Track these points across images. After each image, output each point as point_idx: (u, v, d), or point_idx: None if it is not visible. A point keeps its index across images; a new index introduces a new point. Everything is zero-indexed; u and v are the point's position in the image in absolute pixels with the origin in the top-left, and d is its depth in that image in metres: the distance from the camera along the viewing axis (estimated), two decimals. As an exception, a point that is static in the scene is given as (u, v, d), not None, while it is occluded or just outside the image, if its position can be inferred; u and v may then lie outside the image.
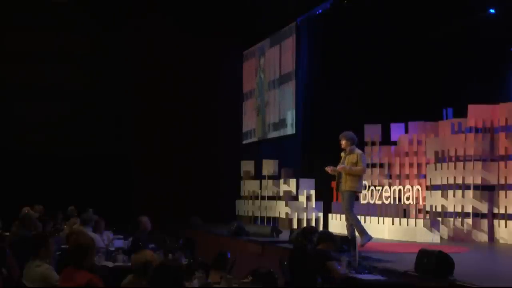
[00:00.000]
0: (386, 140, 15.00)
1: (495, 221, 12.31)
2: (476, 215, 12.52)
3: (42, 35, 19.07)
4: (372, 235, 9.59)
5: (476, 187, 12.59)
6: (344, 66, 15.59)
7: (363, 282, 7.55)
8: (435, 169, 13.34)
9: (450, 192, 12.86)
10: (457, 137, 13.02)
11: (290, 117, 17.88)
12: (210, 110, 20.36)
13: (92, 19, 19.64)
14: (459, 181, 12.78)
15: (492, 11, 14.11)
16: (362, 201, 14.19)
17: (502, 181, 12.30)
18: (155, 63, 19.83)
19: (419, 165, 14.36)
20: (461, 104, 13.17)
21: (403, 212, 13.37)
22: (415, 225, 12.33)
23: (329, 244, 7.64)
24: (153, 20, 19.90)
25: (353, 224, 9.19)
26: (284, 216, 15.80)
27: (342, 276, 7.49)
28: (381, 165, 14.86)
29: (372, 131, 14.95)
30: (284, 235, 12.22)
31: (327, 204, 15.22)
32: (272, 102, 19.17)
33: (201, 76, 20.24)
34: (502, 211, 12.13)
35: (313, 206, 15.32)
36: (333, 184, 14.44)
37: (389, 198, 13.54)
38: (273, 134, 19.09)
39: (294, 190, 16.06)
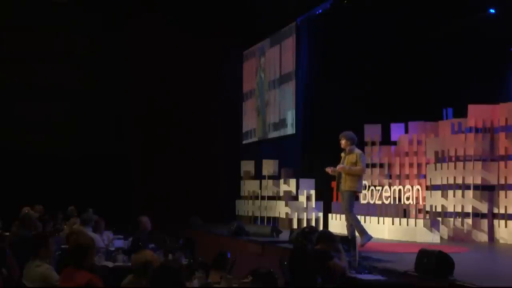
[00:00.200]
0: (386, 140, 15.00)
1: (495, 221, 12.31)
2: (476, 215, 12.52)
3: (42, 35, 19.07)
4: (372, 235, 9.58)
5: (476, 187, 12.59)
6: (344, 66, 15.59)
7: (363, 282, 7.56)
8: (435, 169, 13.34)
9: (450, 192, 12.86)
10: (457, 137, 13.02)
11: (290, 117, 17.88)
12: (210, 110, 20.36)
13: (92, 19, 19.65)
14: (459, 181, 12.78)
15: (492, 11, 14.11)
16: (362, 201, 14.19)
17: (502, 181, 12.30)
18: (155, 63, 19.84)
19: (419, 165, 14.36)
20: (461, 104, 13.17)
21: (403, 212, 13.37)
22: (415, 225, 12.33)
23: (328, 244, 7.64)
24: (153, 20, 19.90)
25: (353, 224, 9.19)
26: (284, 216, 15.80)
27: (344, 269, 7.51)
28: (381, 165, 14.86)
29: (372, 131, 14.95)
30: (284, 235, 12.21)
31: (327, 204, 15.22)
32: (272, 102, 19.17)
33: (201, 76, 20.24)
34: (502, 211, 12.13)
35: (313, 206, 15.33)
36: (333, 184, 14.46)
37: (389, 198, 13.54)
38: (273, 134, 19.09)
39: (294, 190, 16.06)
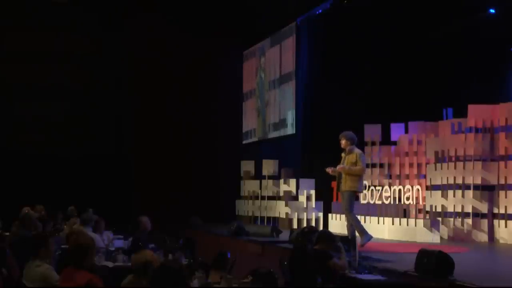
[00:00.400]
0: (386, 140, 15.00)
1: (495, 221, 12.31)
2: (476, 215, 12.52)
3: (42, 35, 19.08)
4: (372, 235, 9.58)
5: (476, 187, 12.59)
6: (344, 66, 15.59)
7: (363, 282, 7.56)
8: (435, 169, 13.34)
9: (450, 192, 12.86)
10: (457, 137, 13.02)
11: (290, 117, 17.88)
12: (210, 110, 20.35)
13: (92, 19, 19.65)
14: (459, 181, 12.78)
15: (492, 11, 14.12)
16: (362, 201, 14.20)
17: (502, 181, 12.30)
18: (155, 63, 19.83)
19: (419, 165, 14.36)
20: (461, 104, 13.17)
21: (403, 212, 13.37)
22: (415, 225, 12.33)
23: (328, 244, 7.65)
24: (153, 20, 19.90)
25: (353, 224, 9.19)
26: (284, 216, 15.80)
27: (344, 268, 7.52)
28: (381, 165, 14.86)
29: (372, 131, 14.95)
30: (284, 235, 12.22)
31: (327, 204, 15.22)
32: (272, 102, 19.17)
33: (201, 76, 20.24)
34: (502, 211, 12.13)
35: (313, 206, 15.33)
36: (333, 184, 14.47)
37: (389, 198, 13.54)
38: (273, 134, 19.09)
39: (294, 190, 16.06)
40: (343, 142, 9.34)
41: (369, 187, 14.31)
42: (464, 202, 12.62)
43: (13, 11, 19.07)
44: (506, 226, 12.02)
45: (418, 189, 13.22)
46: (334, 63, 15.94)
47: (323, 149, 15.33)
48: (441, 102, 14.06)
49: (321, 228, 14.28)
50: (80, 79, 19.45)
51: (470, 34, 13.95)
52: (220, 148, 20.30)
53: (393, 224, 12.90)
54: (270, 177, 17.16)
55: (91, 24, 19.63)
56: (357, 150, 9.28)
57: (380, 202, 13.71)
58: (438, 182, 13.19)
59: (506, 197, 12.10)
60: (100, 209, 12.07)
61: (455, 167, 12.88)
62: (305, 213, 15.38)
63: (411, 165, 14.46)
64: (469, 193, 12.60)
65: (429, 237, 11.97)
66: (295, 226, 14.96)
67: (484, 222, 12.43)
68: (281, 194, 16.33)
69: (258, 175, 17.80)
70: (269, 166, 17.29)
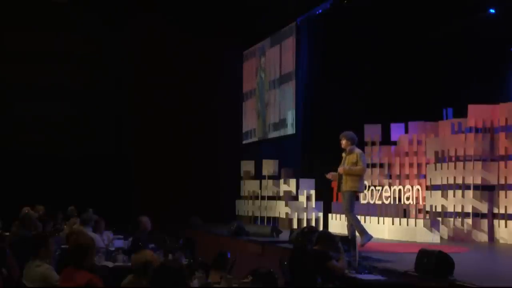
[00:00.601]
0: (386, 140, 15.00)
1: (495, 221, 12.31)
2: (476, 215, 12.52)
3: (42, 35, 19.08)
4: (372, 235, 9.58)
5: (476, 187, 12.59)
6: (344, 66, 15.59)
7: (363, 282, 7.56)
8: (435, 169, 13.34)
9: (450, 192, 12.86)
10: (457, 137, 13.02)
11: (290, 117, 17.88)
12: (210, 110, 20.35)
13: (92, 19, 19.65)
14: (459, 181, 12.78)
15: (492, 11, 14.11)
16: (362, 201, 14.19)
17: (502, 181, 12.30)
18: (155, 63, 19.84)
19: (419, 165, 14.36)
20: (461, 104, 13.17)
21: (403, 212, 13.37)
22: (415, 225, 12.33)
23: (328, 244, 7.65)
24: (153, 20, 19.90)
25: (353, 224, 9.18)
26: (284, 216, 15.80)
27: (343, 269, 7.53)
28: (381, 165, 14.86)
29: (372, 131, 14.95)
30: (284, 235, 12.22)
31: (327, 204, 15.22)
32: (272, 102, 19.17)
33: (201, 76, 20.24)
34: (502, 211, 12.13)
35: (313, 206, 15.33)
36: (333, 184, 14.46)
37: (389, 198, 13.54)
38: (273, 134, 19.09)
39: (294, 190, 16.06)
40: (343, 142, 9.34)
41: (369, 187, 14.30)
42: (464, 202, 12.62)
43: (13, 11, 19.07)
44: (506, 226, 12.02)
45: (418, 189, 13.21)
46: (334, 63, 15.94)
47: (323, 149, 15.34)
48: (441, 102, 14.06)
49: (321, 228, 14.29)
50: (80, 79, 19.45)
51: (470, 34, 13.94)
52: (220, 148, 20.31)
53: (393, 224, 12.90)
54: (270, 177, 17.16)
55: (91, 24, 19.63)
56: (357, 150, 9.28)
57: (380, 202, 13.71)
58: (438, 182, 13.19)
59: (506, 197, 12.10)
60: (100, 209, 12.07)
61: (455, 167, 12.88)
62: (305, 213, 15.38)
63: (411, 165, 14.46)
64: (469, 193, 12.60)
65: (429, 237, 11.97)
66: (295, 226, 14.96)
67: (484, 222, 12.43)
68: (281, 194, 16.33)
69: (258, 175, 17.80)
70: (269, 166, 17.29)
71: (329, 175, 9.53)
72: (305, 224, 14.70)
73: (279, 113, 18.66)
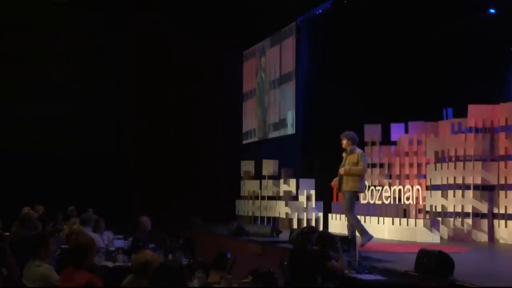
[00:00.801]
0: (386, 140, 15.00)
1: (495, 221, 12.31)
2: (476, 215, 12.51)
3: (42, 35, 19.08)
4: (373, 235, 9.57)
5: (476, 187, 12.59)
6: (344, 66, 15.59)
7: (363, 282, 7.56)
8: (435, 169, 13.34)
9: (450, 192, 12.86)
10: (457, 137, 13.02)
11: (290, 117, 17.88)
12: (210, 110, 20.36)
13: (92, 19, 19.65)
14: (459, 181, 12.77)
15: (492, 11, 14.11)
16: (362, 201, 14.19)
17: (502, 181, 12.30)
18: (155, 63, 19.84)
19: (419, 165, 14.36)
20: (461, 104, 13.17)
21: (403, 212, 13.37)
22: (415, 225, 12.33)
23: (328, 244, 7.66)
24: (153, 20, 19.90)
25: (353, 224, 9.17)
26: (284, 216, 15.80)
27: (342, 270, 7.53)
28: (381, 165, 14.86)
29: (372, 131, 14.95)
30: (284, 235, 12.22)
31: (327, 204, 15.22)
32: (272, 102, 19.17)
33: (201, 76, 20.24)
34: (502, 211, 12.13)
35: (313, 206, 15.32)
36: (334, 184, 14.47)
37: (389, 198, 13.54)
38: (273, 134, 19.09)
39: (294, 190, 16.06)
40: (344, 142, 9.33)
41: (369, 187, 14.29)
42: (464, 202, 12.62)
43: (13, 11, 19.07)
44: (506, 226, 12.02)
45: (418, 189, 13.21)
46: (334, 63, 15.94)
47: (323, 149, 15.36)
48: (441, 102, 14.06)
49: (321, 228, 14.29)
50: (80, 79, 19.45)
51: (470, 34, 13.94)
52: (220, 148, 20.31)
53: (393, 224, 12.90)
54: (270, 177, 17.16)
55: (91, 24, 19.63)
56: (358, 150, 9.27)
57: (380, 202, 13.71)
58: (438, 182, 13.19)
59: (506, 197, 12.10)
60: (100, 209, 12.07)
61: (455, 167, 12.88)
62: (305, 213, 15.38)
63: (411, 165, 14.46)
64: (469, 193, 12.60)
65: (429, 237, 11.97)
66: (295, 226, 14.96)
67: (484, 222, 12.43)
68: (281, 194, 16.33)
69: (258, 175, 17.80)
70: (269, 166, 17.29)
71: (333, 183, 9.55)
72: (305, 224, 14.70)
73: (279, 113, 18.66)
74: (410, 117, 14.50)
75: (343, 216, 13.53)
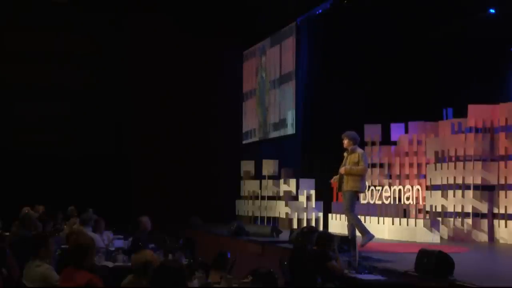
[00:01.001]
0: (386, 140, 15.00)
1: (495, 221, 12.31)
2: (476, 215, 12.51)
3: (42, 35, 19.08)
4: (374, 235, 9.55)
5: (476, 187, 12.58)
6: (344, 66, 15.59)
7: (363, 282, 7.56)
8: (435, 169, 13.33)
9: (450, 192, 12.86)
10: (457, 137, 13.01)
11: (290, 117, 17.88)
12: (210, 110, 20.36)
13: (92, 19, 19.65)
14: (459, 181, 12.77)
15: (492, 11, 14.11)
16: (362, 201, 14.19)
17: (502, 181, 12.29)
18: (155, 63, 19.84)
19: (419, 165, 14.35)
20: (461, 104, 13.17)
21: (403, 212, 13.37)
22: (415, 225, 12.33)
23: (327, 245, 7.66)
24: (153, 20, 19.91)
25: (354, 224, 9.16)
26: (284, 216, 15.80)
27: (342, 270, 7.53)
28: (381, 165, 14.86)
29: (372, 131, 14.94)
30: (284, 235, 12.22)
31: (327, 204, 15.22)
32: (272, 102, 19.17)
33: (201, 76, 20.24)
34: (502, 211, 12.13)
35: (313, 206, 15.32)
36: (334, 184, 14.47)
37: (389, 198, 13.54)
38: (273, 134, 19.10)
39: (294, 190, 16.05)
40: (345, 141, 9.33)
41: (369, 187, 14.28)
42: (464, 202, 12.62)
43: (13, 11, 19.07)
44: (506, 226, 12.02)
45: (418, 189, 13.21)
46: (334, 63, 15.94)
47: (323, 149, 15.36)
48: (441, 102, 14.06)
49: (321, 228, 14.29)
50: (80, 79, 19.45)
51: (470, 34, 13.94)
52: (220, 148, 20.30)
53: (393, 224, 12.90)
54: (270, 177, 17.16)
55: (91, 24, 19.63)
56: (359, 150, 9.27)
57: (380, 202, 13.70)
58: (438, 182, 13.19)
59: (506, 197, 12.10)
60: (100, 209, 12.07)
61: (455, 167, 12.87)
62: (305, 213, 15.37)
63: (411, 165, 14.46)
64: (469, 193, 12.59)
65: (429, 237, 11.97)
66: (295, 226, 14.96)
67: (484, 222, 12.43)
68: (281, 194, 16.33)
69: (258, 175, 17.80)
70: (269, 166, 17.29)
71: (333, 181, 9.54)
72: (305, 224, 14.69)
73: (279, 113, 18.67)
74: (410, 117, 14.50)
75: (343, 216, 13.53)
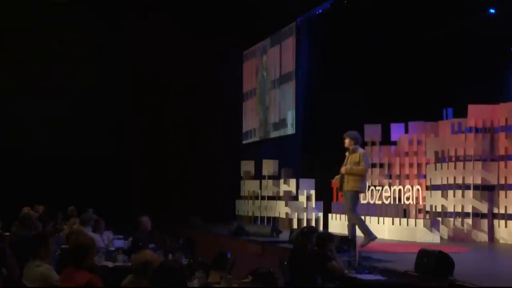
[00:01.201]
0: (386, 140, 14.99)
1: (495, 221, 12.30)
2: (476, 215, 12.51)
3: (42, 35, 19.09)
4: (376, 236, 9.54)
5: (476, 187, 12.58)
6: (344, 66, 15.59)
7: (363, 282, 7.56)
8: (435, 169, 13.33)
9: (450, 192, 12.85)
10: (457, 137, 13.01)
11: (290, 117, 17.88)
12: (210, 110, 20.36)
13: (92, 19, 19.66)
14: (459, 181, 12.77)
15: (492, 11, 14.11)
16: (362, 201, 14.15)
17: (502, 181, 12.29)
18: (155, 63, 19.84)
19: (419, 165, 14.35)
20: (461, 104, 13.16)
21: (403, 212, 13.37)
22: (415, 225, 12.33)
23: (327, 245, 7.66)
24: (153, 20, 19.91)
25: (357, 224, 9.15)
26: (284, 216, 15.80)
27: (343, 269, 7.54)
28: (381, 165, 14.85)
29: (372, 131, 14.94)
30: (284, 235, 12.22)
31: (327, 204, 15.21)
32: (272, 102, 19.18)
33: (201, 76, 20.24)
34: (502, 211, 12.12)
35: (313, 206, 15.32)
36: (334, 184, 14.48)
37: (389, 198, 13.53)
38: (273, 134, 19.10)
39: (294, 190, 16.05)
40: (346, 141, 9.32)
41: (369, 187, 14.27)
42: (464, 202, 12.62)
43: (13, 11, 19.07)
44: (506, 226, 12.01)
45: (418, 189, 13.20)
46: (334, 63, 15.94)
47: (323, 149, 15.37)
48: (441, 102, 14.05)
49: (321, 228, 14.29)
50: (80, 79, 19.45)
51: (470, 34, 13.94)
52: (220, 148, 20.30)
53: (393, 224, 12.90)
54: (270, 177, 17.15)
55: (91, 24, 19.64)
56: (360, 150, 9.27)
57: (380, 202, 13.70)
58: (438, 182, 13.19)
59: (506, 197, 12.09)
60: (100, 209, 12.07)
61: (455, 167, 12.87)
62: (305, 213, 15.37)
63: (411, 165, 14.46)
64: (469, 193, 12.59)
65: (429, 237, 11.97)
66: (295, 226, 14.96)
67: (484, 222, 12.42)
68: (281, 194, 16.33)
69: (258, 175, 17.80)
70: (269, 166, 17.28)
71: (334, 182, 9.55)
72: (305, 224, 14.69)
73: (279, 113, 18.67)
74: (410, 117, 14.49)
75: (343, 216, 13.54)
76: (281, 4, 18.06)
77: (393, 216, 13.10)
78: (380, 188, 14.05)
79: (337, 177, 9.38)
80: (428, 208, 13.24)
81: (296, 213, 15.52)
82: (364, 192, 10.29)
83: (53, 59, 19.08)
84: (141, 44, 19.73)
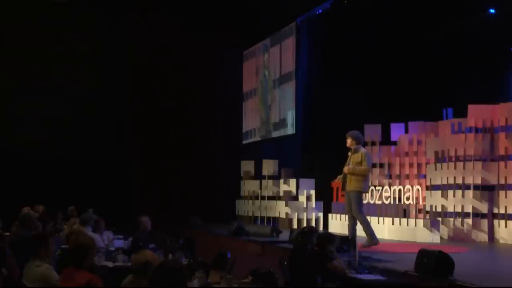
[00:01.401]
0: (386, 140, 14.99)
1: (495, 221, 12.30)
2: (476, 215, 12.51)
3: (42, 35, 19.09)
4: (378, 241, 9.54)
5: (476, 187, 12.57)
6: (344, 66, 15.59)
7: (363, 282, 7.56)
8: (435, 169, 13.33)
9: (450, 192, 12.85)
10: (457, 137, 13.01)
11: (290, 117, 17.88)
12: (210, 110, 20.36)
13: (92, 19, 19.66)
14: (459, 181, 12.77)
15: (492, 11, 14.11)
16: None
17: (502, 181, 12.29)
18: (155, 63, 19.84)
19: (419, 165, 14.35)
20: (461, 104, 13.16)
21: (403, 212, 13.36)
22: (415, 225, 12.33)
23: (328, 245, 7.66)
24: (153, 20, 19.91)
25: (362, 225, 9.13)
26: (284, 216, 15.80)
27: (344, 269, 7.54)
28: (381, 165, 14.85)
29: (372, 131, 14.94)
30: (284, 235, 12.21)
31: (327, 204, 15.21)
32: (272, 102, 19.18)
33: (201, 76, 20.24)
34: (502, 211, 12.12)
35: (313, 206, 15.32)
36: (334, 184, 14.49)
37: (389, 198, 13.53)
38: (273, 134, 19.10)
39: (294, 190, 16.05)
40: (348, 141, 9.32)
41: (369, 187, 14.29)
42: (464, 202, 12.62)
43: (13, 11, 19.07)
44: (506, 226, 12.01)
45: (418, 189, 13.19)
46: (334, 63, 15.94)
47: (323, 149, 15.37)
48: (441, 102, 14.05)
49: (321, 228, 14.29)
50: (80, 79, 19.45)
51: (470, 34, 13.94)
52: (220, 148, 20.30)
53: (393, 224, 12.90)
54: (270, 177, 17.15)
55: (91, 24, 19.64)
56: (362, 150, 9.26)
57: (380, 202, 13.69)
58: (438, 182, 13.19)
59: (506, 197, 12.09)
60: (100, 209, 12.08)
61: (455, 167, 12.87)
62: (305, 213, 15.37)
63: (411, 165, 14.46)
64: (469, 193, 12.59)
65: (429, 237, 11.97)
66: (295, 226, 14.96)
67: (484, 222, 12.42)
68: (281, 194, 16.33)
69: (258, 175, 17.79)
70: (269, 166, 17.28)
71: (337, 182, 9.55)
72: (305, 224, 14.69)
73: (279, 113, 18.67)
74: (410, 117, 14.50)
75: (343, 216, 13.54)
76: (281, 4, 18.06)
77: (393, 216, 13.10)
78: (380, 188, 14.04)
79: (340, 177, 9.37)
80: (428, 208, 13.24)
81: (296, 213, 15.52)
82: (367, 192, 10.28)
83: (53, 59, 19.08)
84: (141, 44, 19.73)
